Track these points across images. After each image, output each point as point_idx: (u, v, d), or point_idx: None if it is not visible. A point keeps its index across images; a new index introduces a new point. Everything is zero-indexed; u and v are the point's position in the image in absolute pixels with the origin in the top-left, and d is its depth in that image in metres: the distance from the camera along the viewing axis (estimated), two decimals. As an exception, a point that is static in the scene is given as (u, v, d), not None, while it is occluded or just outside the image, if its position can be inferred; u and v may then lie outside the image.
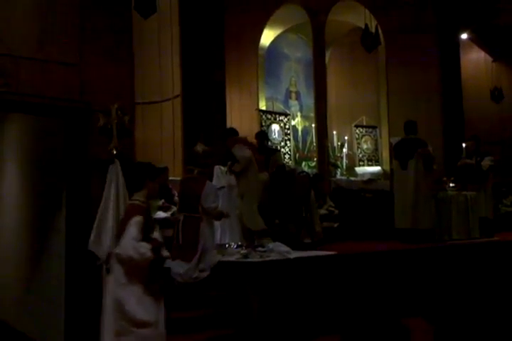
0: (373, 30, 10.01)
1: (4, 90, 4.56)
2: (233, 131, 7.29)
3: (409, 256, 6.82)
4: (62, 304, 4.72)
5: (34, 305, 5.51)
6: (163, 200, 6.91)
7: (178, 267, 5.40)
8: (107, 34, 5.27)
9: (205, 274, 5.44)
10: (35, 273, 5.53)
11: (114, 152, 4.81)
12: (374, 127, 11.43)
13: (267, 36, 10.79)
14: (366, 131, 11.35)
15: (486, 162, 9.05)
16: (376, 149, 11.30)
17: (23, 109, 4.84)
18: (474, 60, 13.09)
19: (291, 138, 10.54)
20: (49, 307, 5.07)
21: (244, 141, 6.76)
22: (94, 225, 4.57)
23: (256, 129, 9.42)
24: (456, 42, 12.21)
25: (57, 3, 5.12)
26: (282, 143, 10.41)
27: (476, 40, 12.85)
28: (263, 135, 8.19)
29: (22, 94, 4.64)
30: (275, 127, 10.34)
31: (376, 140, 11.33)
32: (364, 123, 11.41)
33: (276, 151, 8.39)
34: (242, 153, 6.47)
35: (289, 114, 10.76)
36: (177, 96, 8.40)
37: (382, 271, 6.31)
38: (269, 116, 10.34)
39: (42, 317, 5.24)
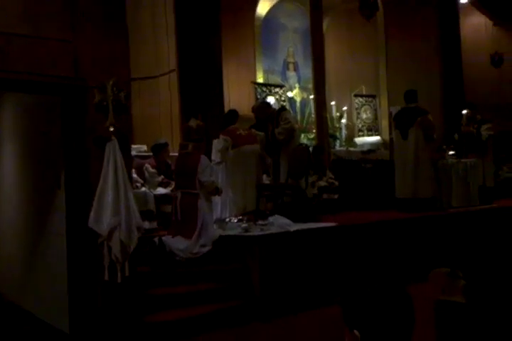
0: (371, -3, 9.83)
1: (-2, 69, 4.50)
2: (233, 114, 7.22)
3: (410, 225, 6.87)
4: (65, 282, 4.77)
5: (37, 283, 5.57)
6: (162, 176, 6.92)
7: (178, 243, 5.45)
8: (99, 8, 5.15)
9: (206, 249, 5.50)
10: (37, 252, 5.57)
11: (111, 129, 4.76)
12: (373, 96, 11.33)
13: (263, 6, 10.60)
14: (366, 101, 11.26)
15: (484, 131, 9.03)
16: (376, 119, 11.23)
17: (17, 87, 4.78)
18: (475, 24, 12.88)
19: (288, 110, 10.46)
20: (52, 285, 5.12)
21: (231, 131, 6.75)
22: (94, 203, 4.57)
23: (253, 102, 9.36)
24: (456, 6, 12.01)
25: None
26: (280, 115, 10.33)
27: (477, 4, 12.61)
28: (264, 106, 7.63)
29: (15, 72, 4.55)
30: (271, 99, 10.25)
31: (376, 109, 11.26)
32: (364, 93, 11.31)
33: (283, 109, 7.88)
34: (218, 146, 6.64)
35: (284, 86, 10.67)
36: (173, 70, 8.31)
37: (382, 240, 6.36)
38: (265, 89, 10.25)
39: (46, 295, 5.30)
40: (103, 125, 4.80)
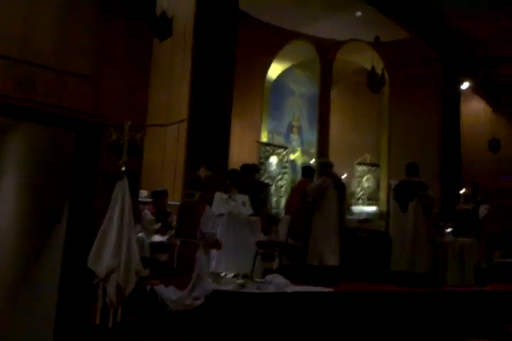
0: (380, 73, 10.15)
1: (20, 97, 4.49)
2: (235, 173, 7.36)
3: (404, 299, 6.72)
4: (51, 323, 4.51)
5: (22, 323, 5.26)
6: (160, 224, 6.79)
7: (171, 293, 5.22)
8: (126, 50, 5.26)
9: (199, 302, 5.28)
10: (25, 289, 5.30)
11: (123, 168, 4.71)
12: (377, 165, 11.46)
13: (275, 70, 10.93)
14: (369, 170, 11.37)
15: (483, 210, 9.08)
16: (378, 188, 11.30)
17: (37, 118, 4.76)
18: (475, 109, 13.30)
19: (289, 172, 10.56)
20: (37, 326, 4.84)
21: None
22: (95, 241, 4.43)
23: (255, 161, 9.41)
24: (457, 91, 12.43)
25: (78, 18, 5.13)
26: (279, 176, 10.40)
27: (477, 90, 13.08)
28: (253, 169, 7.99)
29: (38, 103, 4.57)
30: (273, 159, 10.34)
31: (378, 179, 11.35)
32: (368, 161, 11.46)
33: (267, 186, 8.31)
34: None
35: (287, 148, 10.82)
36: (183, 120, 8.37)
37: (377, 311, 6.19)
38: (268, 148, 10.37)
39: (29, 336, 5.00)
40: (115, 163, 4.76)
